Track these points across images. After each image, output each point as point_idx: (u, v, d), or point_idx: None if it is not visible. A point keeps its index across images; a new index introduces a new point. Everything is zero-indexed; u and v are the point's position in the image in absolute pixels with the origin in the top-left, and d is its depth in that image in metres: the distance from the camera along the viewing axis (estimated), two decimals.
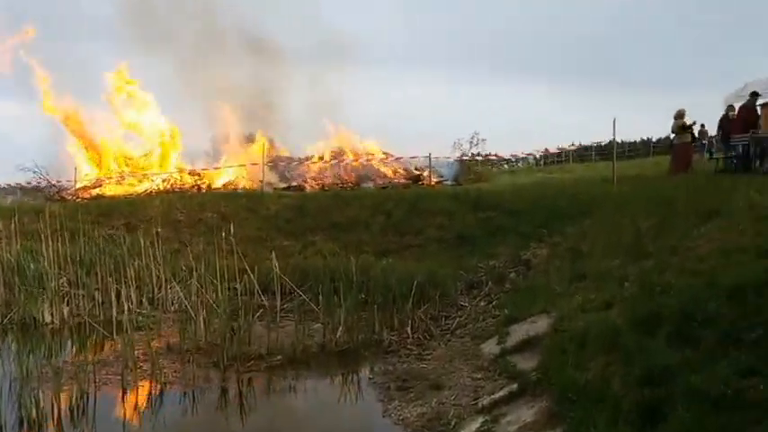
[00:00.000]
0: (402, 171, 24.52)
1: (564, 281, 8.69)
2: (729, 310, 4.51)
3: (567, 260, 9.80)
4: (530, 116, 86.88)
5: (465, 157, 26.82)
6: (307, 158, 25.92)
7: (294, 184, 22.87)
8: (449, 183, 23.21)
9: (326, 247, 13.12)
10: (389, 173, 24.37)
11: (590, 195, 13.08)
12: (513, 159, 38.77)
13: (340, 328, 8.99)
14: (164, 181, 23.07)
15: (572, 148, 39.85)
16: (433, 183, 22.56)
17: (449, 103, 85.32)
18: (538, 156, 45.11)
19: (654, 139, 44.99)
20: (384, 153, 26.11)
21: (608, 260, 8.48)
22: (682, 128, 16.69)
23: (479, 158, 27.93)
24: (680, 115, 16.68)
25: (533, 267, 10.68)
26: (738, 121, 15.77)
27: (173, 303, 11.09)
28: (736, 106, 16.54)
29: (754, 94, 15.46)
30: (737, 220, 7.07)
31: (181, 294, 10.61)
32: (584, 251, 9.74)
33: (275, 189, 21.29)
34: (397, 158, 24.84)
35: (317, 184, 22.67)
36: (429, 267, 10.88)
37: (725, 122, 17.24)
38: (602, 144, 39.97)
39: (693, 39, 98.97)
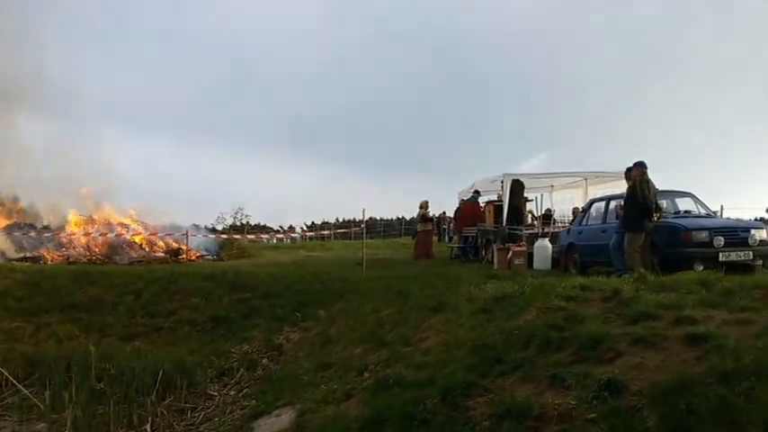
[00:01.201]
0: (160, 245, 23.53)
1: (312, 369, 8.85)
2: (442, 409, 4.91)
3: (317, 346, 10.05)
4: (298, 191, 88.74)
5: (225, 234, 26.64)
6: (50, 226, 23.84)
7: (32, 255, 20.78)
8: (210, 258, 22.77)
9: (64, 329, 11.93)
10: (146, 246, 23.24)
11: (342, 279, 13.67)
12: (277, 238, 39.16)
13: (66, 430, 8.04)
14: None
15: (333, 230, 41.27)
16: (193, 257, 21.95)
17: (215, 175, 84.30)
18: (304, 228, 46.33)
19: (407, 218, 48.95)
20: (141, 224, 24.92)
21: (353, 348, 8.84)
22: (424, 217, 18.42)
23: (239, 236, 27.89)
24: (423, 206, 18.47)
25: (286, 353, 10.76)
26: (467, 214, 17.87)
27: None
28: (466, 200, 18.77)
29: (477, 192, 17.75)
30: (459, 313, 7.83)
31: None
32: (333, 337, 10.07)
33: (9, 260, 19.19)
34: (155, 232, 23.83)
35: (60, 257, 20.83)
36: (179, 353, 10.43)
37: (458, 214, 19.39)
38: (363, 221, 42.28)
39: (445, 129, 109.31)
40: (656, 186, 10.56)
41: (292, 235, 39.05)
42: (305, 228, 47.51)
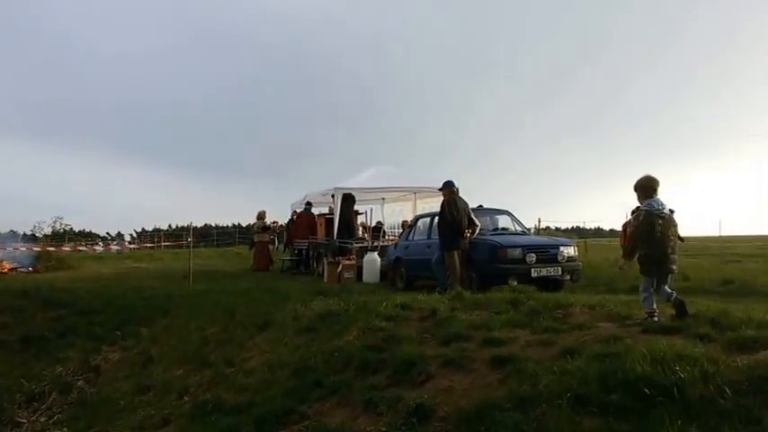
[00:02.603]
0: None
1: (130, 392, 8.42)
2: None
3: (138, 367, 9.56)
4: (130, 196, 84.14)
5: (37, 247, 24.68)
6: None
7: None
8: (25, 270, 20.97)
9: None
10: None
11: (167, 294, 13.10)
12: (103, 245, 36.79)
13: None
14: None
15: (162, 242, 39.54)
16: (5, 270, 20.11)
17: (36, 179, 78.00)
18: (133, 236, 43.94)
19: (244, 225, 48.11)
20: None
21: (174, 369, 8.52)
22: (262, 228, 18.18)
23: (53, 248, 25.91)
24: (260, 216, 18.20)
25: (103, 374, 10.13)
26: (300, 226, 17.86)
27: None
28: (299, 212, 18.75)
29: (309, 204, 17.76)
30: (285, 332, 7.82)
31: None
32: (154, 357, 9.64)
33: None
34: None
35: None
36: None
37: (290, 226, 19.34)
38: (197, 227, 40.92)
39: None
40: (467, 203, 11.01)
41: (113, 247, 36.54)
42: (135, 235, 45.18)
